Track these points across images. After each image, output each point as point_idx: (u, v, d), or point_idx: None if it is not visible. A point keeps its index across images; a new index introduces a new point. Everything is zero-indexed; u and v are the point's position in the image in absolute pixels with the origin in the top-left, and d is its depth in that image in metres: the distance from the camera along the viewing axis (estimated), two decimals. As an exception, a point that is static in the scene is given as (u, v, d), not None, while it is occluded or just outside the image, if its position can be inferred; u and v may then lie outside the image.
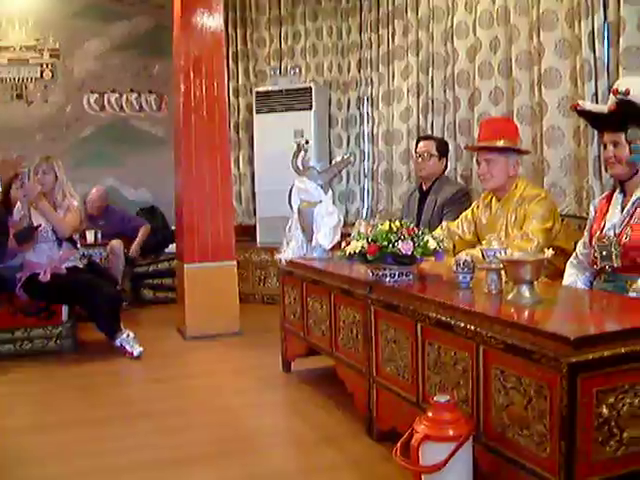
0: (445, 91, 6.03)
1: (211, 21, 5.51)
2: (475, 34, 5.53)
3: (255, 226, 7.37)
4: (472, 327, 2.44)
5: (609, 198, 3.25)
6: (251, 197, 7.75)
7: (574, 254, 3.43)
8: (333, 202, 4.37)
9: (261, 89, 7.32)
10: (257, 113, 7.25)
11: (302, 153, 4.30)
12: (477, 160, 4.15)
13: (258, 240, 7.25)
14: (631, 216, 3.03)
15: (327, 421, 3.54)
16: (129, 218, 7.25)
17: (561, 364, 1.99)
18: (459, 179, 5.77)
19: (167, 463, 3.11)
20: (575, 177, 4.73)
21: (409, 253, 3.05)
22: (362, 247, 3.11)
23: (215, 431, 3.49)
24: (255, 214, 7.51)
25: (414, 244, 3.06)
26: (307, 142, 4.34)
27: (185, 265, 5.50)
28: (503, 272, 2.75)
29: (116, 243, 6.56)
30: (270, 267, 6.78)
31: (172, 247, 6.57)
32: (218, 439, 3.38)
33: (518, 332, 2.21)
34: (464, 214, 4.36)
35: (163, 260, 7.14)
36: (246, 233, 7.28)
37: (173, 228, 6.46)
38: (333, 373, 3.79)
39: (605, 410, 2.04)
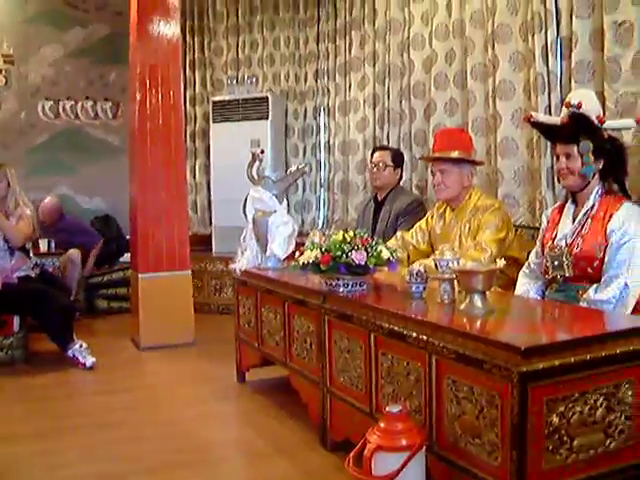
0: (401, 102, 6.05)
1: (168, 29, 5.46)
2: (431, 46, 5.57)
3: (211, 235, 7.32)
4: (424, 337, 2.44)
5: (561, 209, 3.29)
6: (207, 206, 7.69)
7: (526, 264, 3.47)
8: (289, 212, 4.36)
9: (218, 98, 7.29)
10: (214, 122, 7.21)
11: (257, 162, 4.28)
12: (432, 171, 4.18)
13: (214, 249, 7.20)
14: (582, 226, 3.08)
15: (281, 431, 3.52)
16: (84, 230, 7.13)
17: (512, 374, 2.00)
18: (414, 189, 5.79)
19: (120, 475, 3.06)
20: (528, 188, 4.78)
21: (362, 263, 3.05)
22: (315, 257, 3.10)
23: (169, 443, 3.44)
24: (211, 223, 7.46)
25: (367, 254, 3.07)
26: (262, 151, 4.32)
27: (139, 275, 5.43)
28: (456, 282, 2.76)
29: (74, 252, 6.47)
30: (226, 277, 6.72)
31: (127, 256, 6.48)
32: (172, 450, 3.33)
33: (470, 342, 2.22)
34: (418, 224, 4.38)
35: (117, 270, 7.05)
36: (202, 242, 7.22)
37: (128, 237, 6.37)
38: (287, 383, 3.76)
39: (555, 419, 2.06)
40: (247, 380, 4.40)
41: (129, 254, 6.11)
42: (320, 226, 7.23)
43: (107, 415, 3.88)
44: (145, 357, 5.22)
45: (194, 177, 7.69)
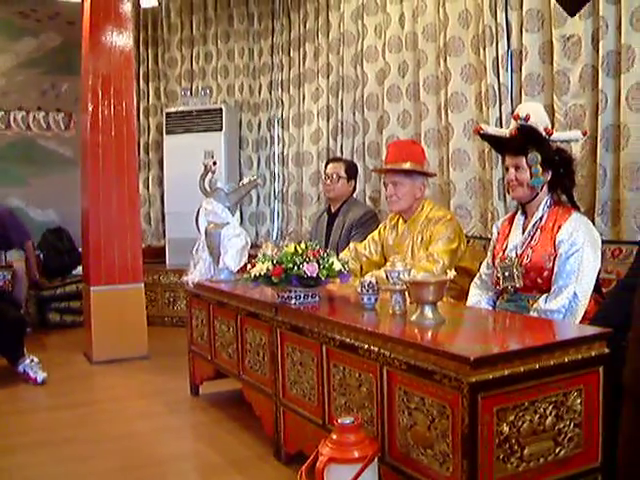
0: (354, 114, 6.09)
1: (120, 39, 5.41)
2: (384, 58, 5.61)
3: (164, 248, 7.26)
4: (376, 348, 2.44)
5: (511, 220, 3.33)
6: (160, 218, 7.63)
7: (478, 275, 3.49)
8: (242, 224, 4.34)
9: (172, 110, 7.26)
10: (167, 134, 7.17)
11: (209, 174, 4.25)
12: (384, 182, 4.19)
13: (167, 262, 7.14)
14: (532, 237, 3.11)
15: (235, 445, 3.49)
16: (12, 225, 6.87)
17: (462, 384, 2.00)
18: (367, 201, 5.81)
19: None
20: (480, 199, 4.83)
21: (314, 275, 3.03)
22: (267, 269, 3.08)
23: (122, 458, 3.38)
24: (164, 236, 7.40)
25: (319, 266, 3.05)
26: (215, 163, 4.28)
27: (92, 288, 5.35)
28: (407, 293, 2.77)
29: (18, 266, 6.32)
30: (179, 289, 6.65)
31: (80, 269, 6.38)
32: (125, 466, 3.28)
33: (420, 353, 2.22)
34: (371, 235, 4.39)
35: (70, 283, 6.93)
36: (155, 255, 7.16)
37: (81, 250, 6.27)
38: (241, 396, 3.73)
39: (506, 428, 2.07)
40: (200, 393, 4.37)
41: (82, 267, 6.03)
42: (274, 238, 7.22)
43: (58, 431, 3.80)
44: (98, 371, 5.13)
45: (147, 189, 7.64)
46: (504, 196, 4.57)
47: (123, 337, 5.32)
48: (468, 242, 4.26)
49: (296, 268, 3.02)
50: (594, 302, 3.05)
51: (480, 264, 3.70)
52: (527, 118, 2.99)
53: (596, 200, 3.92)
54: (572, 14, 2.49)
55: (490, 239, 4.48)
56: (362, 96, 5.93)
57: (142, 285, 5.53)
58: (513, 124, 3.11)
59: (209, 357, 4.10)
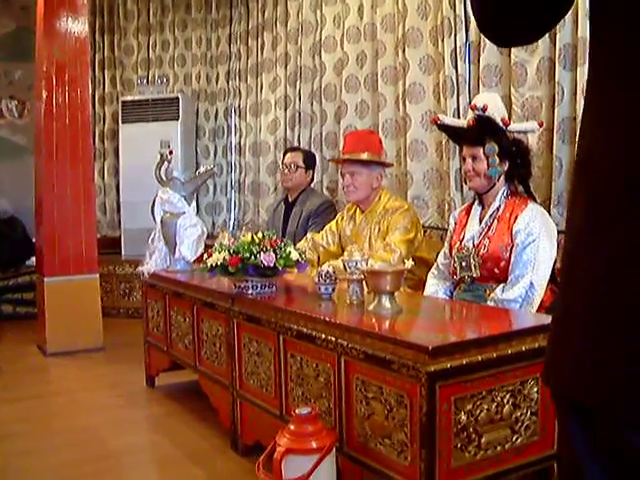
0: (312, 104, 6.06)
1: (76, 26, 5.29)
2: (343, 48, 5.59)
3: (120, 238, 7.16)
4: (333, 338, 2.42)
5: (468, 210, 3.34)
6: (116, 208, 7.52)
7: (435, 265, 3.50)
8: (198, 214, 4.29)
9: (127, 98, 7.14)
10: (123, 123, 7.06)
11: (165, 163, 4.19)
12: (341, 172, 4.17)
13: (123, 252, 7.04)
14: (489, 228, 3.13)
15: (191, 437, 3.44)
16: None
17: (420, 373, 2.00)
18: (325, 191, 5.80)
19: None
20: (437, 190, 4.85)
21: (271, 265, 3.01)
22: (224, 259, 3.04)
23: (78, 452, 3.31)
24: (120, 226, 7.29)
25: (276, 256, 3.03)
26: (171, 152, 4.22)
27: (45, 278, 5.24)
28: (364, 283, 2.76)
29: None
30: (135, 280, 6.56)
31: (34, 260, 6.26)
32: (79, 460, 3.20)
33: (378, 342, 2.21)
34: (328, 226, 4.38)
35: (24, 273, 6.77)
36: (110, 245, 7.05)
37: (34, 240, 6.16)
38: (197, 387, 3.69)
39: (463, 417, 2.07)
40: (156, 385, 4.31)
41: (35, 257, 5.91)
42: (231, 228, 7.16)
43: (9, 425, 3.71)
44: (51, 363, 5.04)
45: (103, 178, 7.51)
46: (461, 187, 4.60)
47: (78, 329, 5.23)
48: (425, 232, 4.28)
49: (253, 258, 2.99)
50: (550, 292, 3.07)
51: (437, 254, 3.71)
52: (484, 108, 3.00)
53: (552, 191, 3.96)
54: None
55: (447, 229, 4.52)
56: (320, 86, 5.90)
57: (97, 276, 5.44)
58: (470, 114, 3.12)
59: (165, 348, 4.05)
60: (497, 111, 3.07)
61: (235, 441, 3.19)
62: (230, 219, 7.35)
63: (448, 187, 4.66)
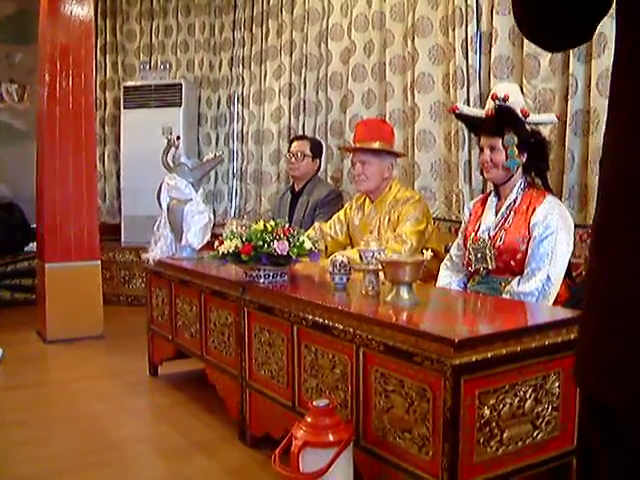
0: (317, 92, 6.00)
1: (81, 9, 5.20)
2: (350, 37, 5.53)
3: (120, 225, 7.10)
4: (351, 329, 2.38)
5: (484, 201, 3.29)
6: (116, 195, 7.45)
7: (448, 256, 3.46)
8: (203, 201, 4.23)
9: (130, 84, 7.07)
10: (125, 108, 6.99)
11: (172, 149, 4.15)
12: (352, 161, 4.12)
13: (122, 239, 6.99)
14: (505, 220, 3.08)
15: (197, 427, 3.39)
16: None
17: (445, 366, 1.96)
18: (329, 180, 5.74)
19: (28, 479, 2.85)
20: (445, 181, 4.80)
21: (285, 253, 2.96)
22: (236, 247, 2.99)
23: (79, 441, 3.25)
24: (120, 213, 7.23)
25: (289, 244, 2.98)
26: (178, 138, 4.18)
27: (46, 264, 5.18)
28: (381, 273, 2.72)
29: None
30: (135, 267, 6.55)
31: (32, 246, 6.20)
32: (83, 450, 3.14)
33: (399, 334, 2.16)
34: (336, 215, 4.33)
35: (22, 259, 6.69)
36: (110, 232, 6.97)
37: (33, 226, 6.09)
38: (203, 377, 3.64)
39: (487, 411, 2.03)
40: (160, 374, 4.26)
41: (35, 243, 5.85)
42: (231, 217, 7.11)
43: (9, 414, 3.64)
44: (52, 350, 4.98)
45: (103, 165, 7.43)
46: (470, 178, 4.56)
47: (78, 315, 5.18)
48: (433, 224, 4.23)
49: (266, 246, 2.94)
50: (565, 286, 3.04)
51: (445, 246, 3.68)
52: (505, 98, 2.95)
53: (564, 184, 3.92)
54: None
55: (454, 221, 4.51)
56: (326, 74, 5.84)
57: (99, 262, 5.39)
58: (490, 104, 3.07)
59: (170, 337, 4.00)
60: (517, 101, 3.03)
61: (243, 432, 3.15)
62: (231, 207, 7.30)
63: (456, 178, 4.61)
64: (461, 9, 4.49)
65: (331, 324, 2.49)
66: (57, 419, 3.56)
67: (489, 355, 2.02)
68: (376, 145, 3.96)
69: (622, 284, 0.93)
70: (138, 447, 3.26)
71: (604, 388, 0.95)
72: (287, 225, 3.09)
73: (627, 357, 0.91)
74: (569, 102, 3.89)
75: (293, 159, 5.03)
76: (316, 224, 4.40)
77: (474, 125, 3.32)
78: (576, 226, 3.60)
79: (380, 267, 2.66)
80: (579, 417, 1.05)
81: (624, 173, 0.95)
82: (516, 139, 3.03)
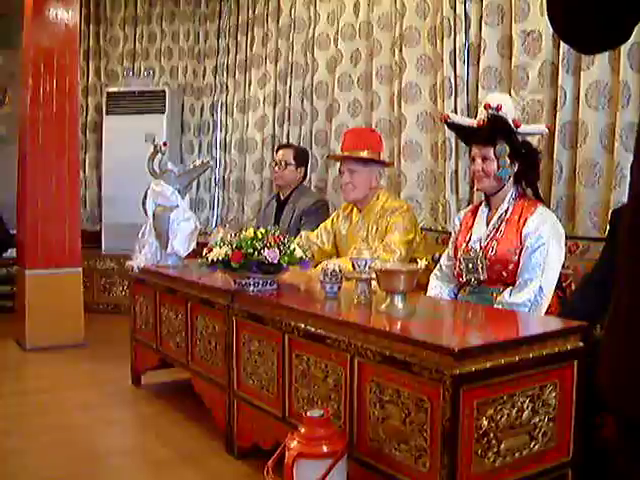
0: (303, 101, 5.98)
1: (67, 13, 5.15)
2: (336, 46, 5.52)
3: (100, 232, 7.01)
4: (345, 338, 2.35)
5: (474, 211, 3.28)
6: (97, 202, 7.37)
7: (438, 266, 3.43)
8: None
9: (113, 90, 6.99)
10: (107, 114, 6.91)
11: (159, 155, 4.09)
12: (340, 170, 4.10)
13: (103, 247, 6.90)
14: (497, 230, 3.07)
15: (183, 438, 3.34)
16: None
17: (444, 376, 1.93)
18: (313, 190, 5.71)
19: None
20: (431, 192, 4.79)
21: (275, 261, 2.93)
22: (226, 254, 2.96)
23: (61, 452, 3.17)
24: (101, 220, 7.15)
25: (280, 252, 2.95)
26: (165, 144, 4.12)
27: (27, 271, 5.10)
28: (374, 282, 2.69)
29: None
30: (116, 275, 6.48)
31: (11, 252, 6.11)
32: (65, 461, 3.07)
33: (397, 343, 2.14)
34: (323, 224, 4.30)
35: (1, 266, 6.61)
36: (90, 239, 6.88)
37: (13, 232, 5.99)
38: (188, 386, 3.60)
39: (485, 422, 2.01)
40: (143, 383, 4.20)
41: (14, 250, 5.76)
42: (213, 225, 7.06)
43: (-12, 423, 3.58)
44: (31, 359, 4.90)
45: (84, 171, 7.32)
46: (456, 189, 4.55)
47: (59, 323, 5.10)
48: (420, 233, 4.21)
49: (256, 254, 2.91)
50: (555, 297, 3.03)
51: (433, 256, 3.66)
52: (498, 108, 2.94)
53: (552, 195, 3.92)
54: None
55: (441, 231, 4.49)
56: (311, 84, 5.82)
57: (80, 269, 5.32)
58: (483, 114, 3.05)
59: (154, 345, 3.95)
60: (509, 111, 3.02)
61: (230, 443, 3.10)
62: (213, 216, 7.24)
63: (443, 189, 4.60)
64: (449, 20, 4.49)
65: (324, 333, 2.46)
66: (40, 430, 3.49)
67: (488, 365, 2.00)
68: (364, 154, 3.94)
69: None
70: (122, 458, 3.21)
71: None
72: (277, 233, 3.06)
73: None
74: (557, 114, 3.89)
75: (277, 167, 4.99)
76: (303, 233, 4.36)
77: (465, 134, 3.30)
78: (566, 237, 3.62)
79: (374, 275, 2.64)
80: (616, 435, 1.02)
81: None
82: (508, 149, 3.02)
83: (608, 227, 3.10)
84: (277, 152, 5.14)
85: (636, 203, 0.96)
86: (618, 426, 1.01)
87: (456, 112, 4.45)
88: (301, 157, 5.10)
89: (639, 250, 0.93)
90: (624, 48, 3.49)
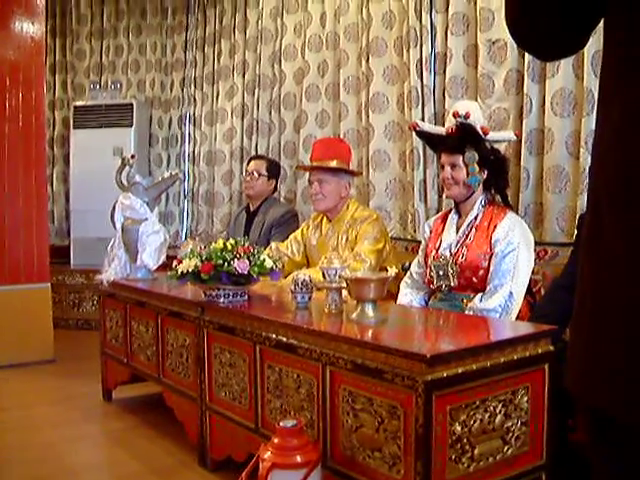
0: (271, 113, 5.98)
1: (32, 26, 5.11)
2: (304, 57, 5.53)
3: (69, 247, 6.94)
4: (317, 348, 2.34)
5: (444, 218, 3.29)
6: (64, 217, 7.29)
7: (408, 274, 3.44)
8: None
9: (80, 103, 6.93)
10: (74, 128, 6.85)
11: (127, 168, 4.06)
12: (309, 180, 4.10)
13: (72, 262, 6.82)
14: (466, 236, 3.09)
15: (155, 452, 3.30)
16: None
17: (416, 383, 1.93)
18: (282, 201, 5.70)
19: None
20: (400, 201, 4.81)
21: (245, 272, 2.92)
22: (195, 266, 2.94)
23: (33, 470, 3.12)
24: (69, 235, 7.07)
25: (250, 263, 2.94)
26: (133, 156, 4.09)
27: (-7, 287, 5.04)
28: (345, 291, 2.69)
29: None
30: (86, 290, 6.40)
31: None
32: (37, 478, 3.03)
33: (368, 351, 2.14)
34: (293, 235, 4.30)
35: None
36: (59, 254, 6.81)
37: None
38: (160, 400, 3.56)
39: (458, 427, 2.01)
40: (114, 398, 4.15)
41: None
42: (183, 239, 7.01)
43: (-42, 442, 3.51)
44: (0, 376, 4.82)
45: (52, 186, 7.23)
46: (425, 198, 4.57)
47: (27, 340, 5.02)
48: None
49: (226, 265, 2.89)
50: (525, 302, 3.05)
51: (403, 265, 3.66)
52: (467, 116, 2.96)
53: (519, 202, 3.96)
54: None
55: (410, 240, 4.51)
56: (279, 95, 5.82)
57: (49, 285, 5.26)
58: (451, 121, 3.07)
59: (125, 360, 3.91)
60: (477, 119, 3.04)
61: (203, 456, 3.07)
62: (183, 229, 7.20)
63: (412, 198, 4.62)
64: (415, 30, 4.52)
65: (296, 343, 2.45)
66: (10, 447, 3.44)
67: (460, 371, 2.01)
68: (333, 164, 3.94)
69: (613, 288, 0.92)
70: (94, 474, 3.18)
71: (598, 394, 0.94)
72: (247, 244, 3.04)
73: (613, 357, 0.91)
74: (524, 121, 3.94)
75: (248, 178, 4.98)
76: (272, 244, 4.35)
77: (434, 143, 3.32)
78: (535, 243, 3.64)
79: (344, 284, 2.63)
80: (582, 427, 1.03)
81: (612, 179, 0.94)
82: (477, 156, 3.04)
83: (576, 232, 3.13)
84: (249, 163, 5.13)
85: (594, 203, 0.97)
86: (585, 422, 1.02)
87: (423, 121, 4.47)
88: (273, 169, 5.10)
89: (596, 244, 0.95)
90: (588, 55, 3.54)
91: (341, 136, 5.14)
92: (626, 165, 0.90)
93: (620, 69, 0.94)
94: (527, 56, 3.89)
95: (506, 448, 2.16)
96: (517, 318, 2.95)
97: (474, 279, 3.02)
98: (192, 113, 6.98)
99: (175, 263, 3.09)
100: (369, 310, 2.48)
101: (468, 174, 3.06)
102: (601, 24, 1.03)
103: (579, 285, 1.02)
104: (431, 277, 3.16)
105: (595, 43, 3.49)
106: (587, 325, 0.97)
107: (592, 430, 1.00)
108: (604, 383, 0.92)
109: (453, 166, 3.10)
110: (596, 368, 0.93)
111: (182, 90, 7.06)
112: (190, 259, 2.98)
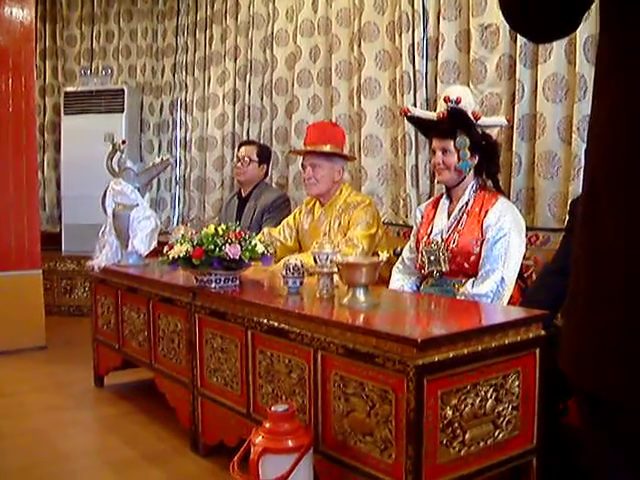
0: (262, 98, 5.96)
1: (21, 11, 5.06)
2: (295, 42, 5.51)
3: (60, 234, 6.91)
4: (308, 333, 2.34)
5: (435, 204, 3.29)
6: (56, 203, 7.26)
7: (400, 259, 3.44)
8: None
9: (71, 89, 6.89)
10: (65, 114, 6.81)
11: (118, 153, 4.04)
12: (302, 164, 4.09)
13: (63, 248, 6.80)
14: (458, 222, 3.08)
15: (147, 437, 3.30)
16: None
17: (407, 367, 1.93)
18: (274, 186, 5.69)
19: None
20: (392, 186, 4.81)
21: (237, 257, 2.91)
22: (187, 251, 2.93)
23: (25, 456, 3.12)
24: (60, 221, 7.05)
25: (242, 248, 2.93)
26: (124, 142, 4.08)
27: (-16, 273, 5.02)
28: (336, 276, 2.69)
29: None
30: (77, 276, 6.38)
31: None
32: (29, 465, 3.02)
33: (360, 336, 2.13)
34: (285, 220, 4.29)
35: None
36: (50, 241, 6.77)
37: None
38: (152, 386, 3.56)
39: (449, 412, 2.01)
40: (106, 384, 4.15)
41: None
42: (174, 224, 7.00)
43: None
44: (-9, 363, 4.81)
45: (42, 172, 7.20)
46: (417, 183, 4.57)
47: (19, 326, 5.00)
48: (383, 228, 4.22)
49: (218, 250, 2.88)
50: (517, 288, 3.05)
51: (394, 250, 3.66)
52: (458, 101, 2.96)
53: (511, 187, 3.96)
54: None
55: (402, 225, 4.51)
56: (271, 80, 5.80)
57: (40, 272, 5.23)
58: (443, 106, 3.06)
59: (116, 346, 3.90)
60: (469, 104, 3.03)
61: (195, 441, 3.07)
62: (174, 215, 7.17)
63: (403, 183, 4.62)
64: (407, 14, 4.50)
65: (287, 328, 2.45)
66: (2, 433, 3.42)
67: (451, 355, 2.01)
68: (327, 148, 3.93)
69: (610, 265, 0.92)
70: (86, 460, 3.17)
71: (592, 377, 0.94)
72: (238, 229, 3.03)
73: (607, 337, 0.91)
74: (516, 107, 3.93)
75: (239, 164, 4.97)
76: (265, 229, 4.35)
77: (425, 128, 3.31)
78: (526, 228, 3.64)
79: (335, 269, 2.63)
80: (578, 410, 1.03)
81: (608, 161, 0.94)
82: (468, 141, 3.03)
83: (567, 217, 3.13)
84: (239, 149, 5.11)
85: (589, 187, 0.97)
86: (579, 405, 1.02)
87: (415, 106, 4.46)
88: (264, 154, 5.09)
89: (591, 228, 0.94)
90: (580, 41, 3.54)
91: (333, 121, 5.12)
92: (625, 139, 0.89)
93: (620, 44, 0.93)
94: (519, 41, 3.88)
95: (497, 432, 2.17)
96: (509, 303, 2.95)
97: (465, 265, 3.02)
98: (183, 99, 6.95)
99: (166, 249, 3.08)
100: (360, 295, 2.47)
101: (459, 159, 3.05)
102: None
103: (573, 266, 1.01)
104: (423, 262, 3.16)
105: (587, 28, 3.51)
106: (582, 304, 0.97)
107: (587, 411, 1.00)
108: (599, 363, 0.93)
109: (444, 151, 3.10)
110: (590, 348, 0.93)
111: (173, 76, 7.02)
112: (181, 244, 2.97)
